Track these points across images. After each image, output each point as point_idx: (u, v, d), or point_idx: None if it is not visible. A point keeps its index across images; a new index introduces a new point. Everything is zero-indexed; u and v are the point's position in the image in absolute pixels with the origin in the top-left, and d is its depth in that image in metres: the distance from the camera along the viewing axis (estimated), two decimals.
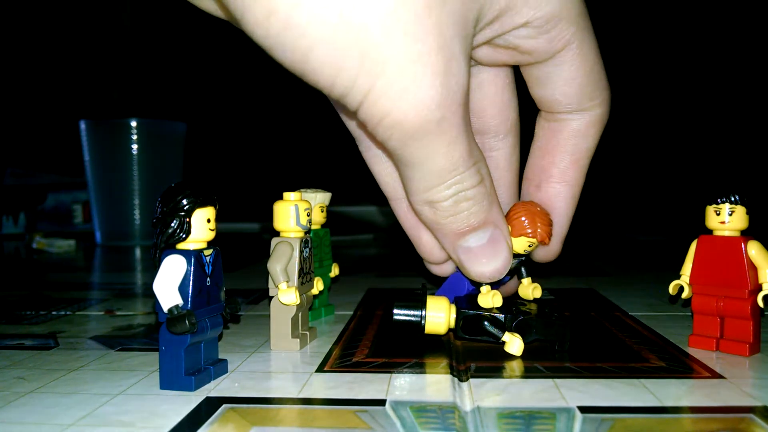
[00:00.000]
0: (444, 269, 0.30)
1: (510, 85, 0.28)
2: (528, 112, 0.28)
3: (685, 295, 0.28)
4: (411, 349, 0.27)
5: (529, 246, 0.27)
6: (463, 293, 0.29)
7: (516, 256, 0.27)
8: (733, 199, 0.26)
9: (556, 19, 0.23)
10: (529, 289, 0.30)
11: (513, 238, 0.26)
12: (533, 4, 0.22)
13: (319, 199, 0.33)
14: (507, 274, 0.26)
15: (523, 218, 0.26)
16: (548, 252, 0.29)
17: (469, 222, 0.24)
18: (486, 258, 0.25)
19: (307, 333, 0.29)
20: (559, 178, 0.27)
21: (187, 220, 0.22)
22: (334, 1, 0.19)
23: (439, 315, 0.27)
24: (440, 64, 0.20)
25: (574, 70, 0.25)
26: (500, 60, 0.25)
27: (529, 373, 0.24)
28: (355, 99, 0.21)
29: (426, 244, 0.29)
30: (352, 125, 0.28)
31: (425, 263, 0.30)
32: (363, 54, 0.20)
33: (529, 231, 0.26)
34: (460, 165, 0.22)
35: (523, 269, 0.30)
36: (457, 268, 0.27)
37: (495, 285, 0.28)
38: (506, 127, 0.28)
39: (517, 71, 0.27)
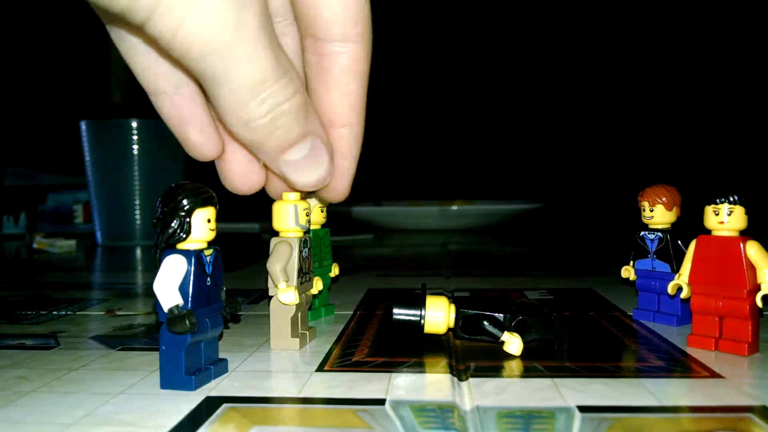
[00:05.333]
0: (238, 173, 0.28)
1: None
2: (525, 111, 0.28)
3: (684, 295, 0.28)
4: (411, 349, 0.27)
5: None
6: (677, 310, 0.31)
7: None
8: (731, 199, 0.26)
9: None
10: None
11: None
12: None
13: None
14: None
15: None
16: (335, 191, 0.27)
17: (288, 137, 0.23)
18: (310, 168, 0.24)
19: (307, 333, 0.29)
20: (341, 122, 0.26)
21: (188, 220, 0.22)
22: None
23: (438, 315, 0.27)
24: None
25: None
26: None
27: (528, 372, 0.24)
28: (142, 11, 0.19)
29: (195, 142, 0.27)
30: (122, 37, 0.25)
31: (223, 181, 0.28)
32: None
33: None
34: (269, 77, 0.21)
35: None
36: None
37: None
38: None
39: None
